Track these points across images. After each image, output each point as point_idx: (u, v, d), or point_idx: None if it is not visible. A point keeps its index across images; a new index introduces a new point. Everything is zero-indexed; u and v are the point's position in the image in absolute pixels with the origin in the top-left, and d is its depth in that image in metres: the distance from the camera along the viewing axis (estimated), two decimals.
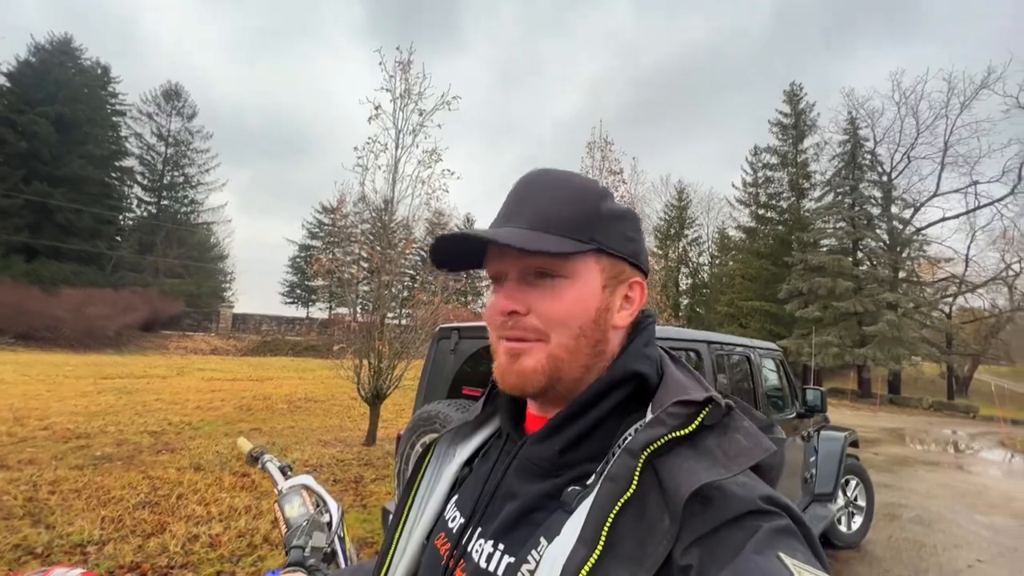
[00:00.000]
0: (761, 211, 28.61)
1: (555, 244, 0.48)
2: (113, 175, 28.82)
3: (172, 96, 32.20)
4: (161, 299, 24.16)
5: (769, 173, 28.78)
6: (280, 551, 3.19)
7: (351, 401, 8.66)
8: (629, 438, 0.45)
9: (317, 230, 36.97)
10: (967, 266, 25.15)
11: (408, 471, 0.65)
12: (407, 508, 0.62)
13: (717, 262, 33.83)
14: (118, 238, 29.20)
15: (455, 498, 0.59)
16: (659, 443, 0.41)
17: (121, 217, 30.04)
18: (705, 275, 34.78)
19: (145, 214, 31.40)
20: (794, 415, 3.57)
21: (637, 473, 0.41)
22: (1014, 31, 35.55)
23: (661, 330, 2.65)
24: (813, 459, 3.79)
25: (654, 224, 33.68)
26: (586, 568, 0.39)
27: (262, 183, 71.27)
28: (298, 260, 37.82)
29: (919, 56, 52.85)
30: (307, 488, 1.26)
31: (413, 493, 0.62)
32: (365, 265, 7.11)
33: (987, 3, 47.18)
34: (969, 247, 25.18)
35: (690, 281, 35.03)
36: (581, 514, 0.43)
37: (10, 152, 23.89)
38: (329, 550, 1.11)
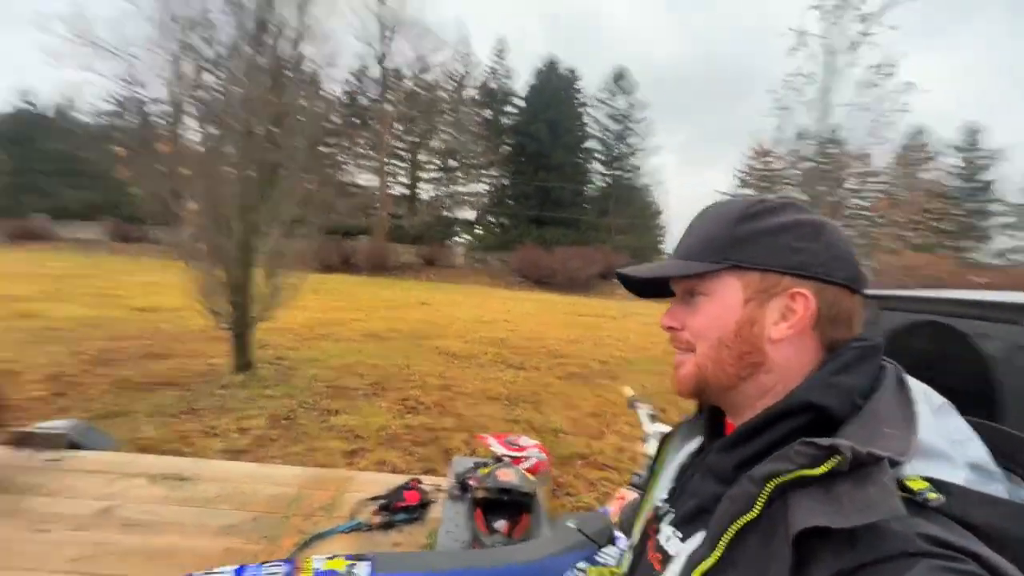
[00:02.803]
0: None
1: (682, 268, 0.57)
2: (579, 156, 36.99)
3: (619, 78, 37.67)
4: (613, 253, 29.74)
5: None
6: None
7: None
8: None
9: (747, 176, 35.41)
10: None
11: None
12: (652, 484, 0.74)
13: None
14: (585, 206, 37.55)
15: (671, 486, 0.68)
16: (784, 479, 0.43)
17: (585, 189, 38.37)
18: None
19: (604, 185, 38.83)
20: None
21: (761, 501, 0.44)
22: None
23: (959, 294, 1.28)
24: None
25: None
26: (702, 566, 0.46)
27: (697, 135, 73.76)
28: None
29: None
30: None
31: (657, 473, 0.74)
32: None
33: None
34: None
35: None
36: None
37: (528, 153, 34.70)
38: None
